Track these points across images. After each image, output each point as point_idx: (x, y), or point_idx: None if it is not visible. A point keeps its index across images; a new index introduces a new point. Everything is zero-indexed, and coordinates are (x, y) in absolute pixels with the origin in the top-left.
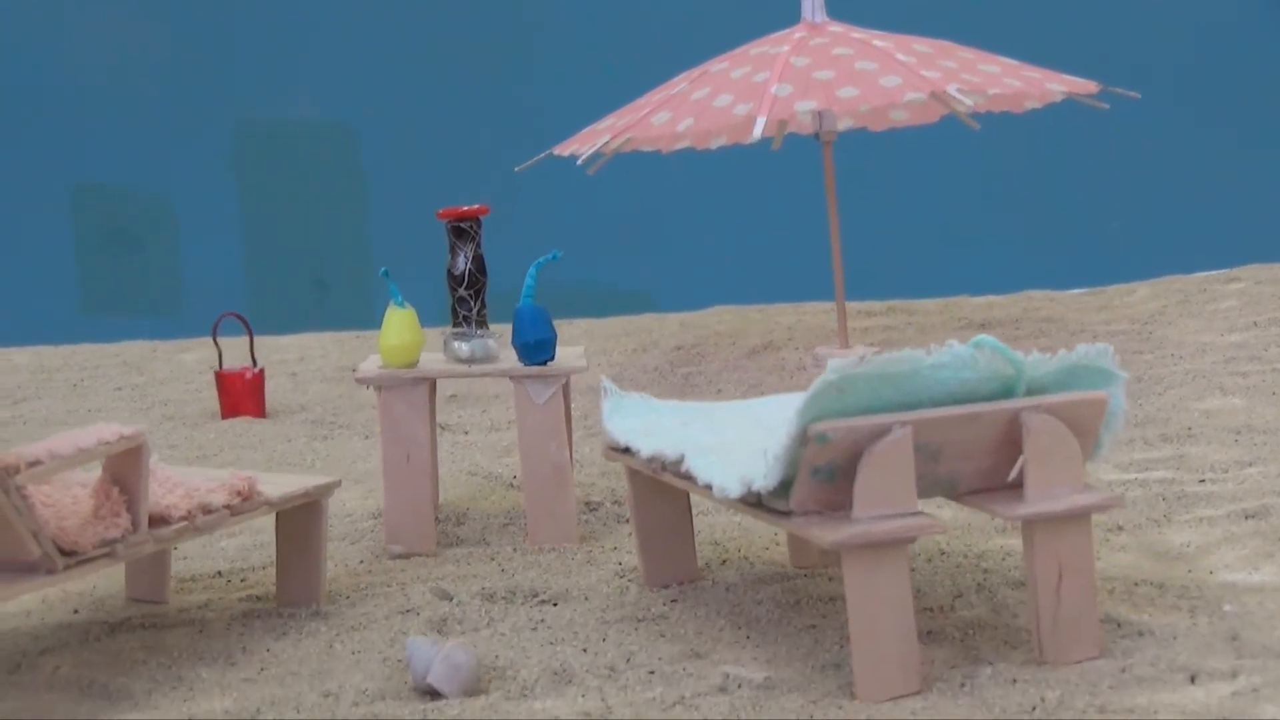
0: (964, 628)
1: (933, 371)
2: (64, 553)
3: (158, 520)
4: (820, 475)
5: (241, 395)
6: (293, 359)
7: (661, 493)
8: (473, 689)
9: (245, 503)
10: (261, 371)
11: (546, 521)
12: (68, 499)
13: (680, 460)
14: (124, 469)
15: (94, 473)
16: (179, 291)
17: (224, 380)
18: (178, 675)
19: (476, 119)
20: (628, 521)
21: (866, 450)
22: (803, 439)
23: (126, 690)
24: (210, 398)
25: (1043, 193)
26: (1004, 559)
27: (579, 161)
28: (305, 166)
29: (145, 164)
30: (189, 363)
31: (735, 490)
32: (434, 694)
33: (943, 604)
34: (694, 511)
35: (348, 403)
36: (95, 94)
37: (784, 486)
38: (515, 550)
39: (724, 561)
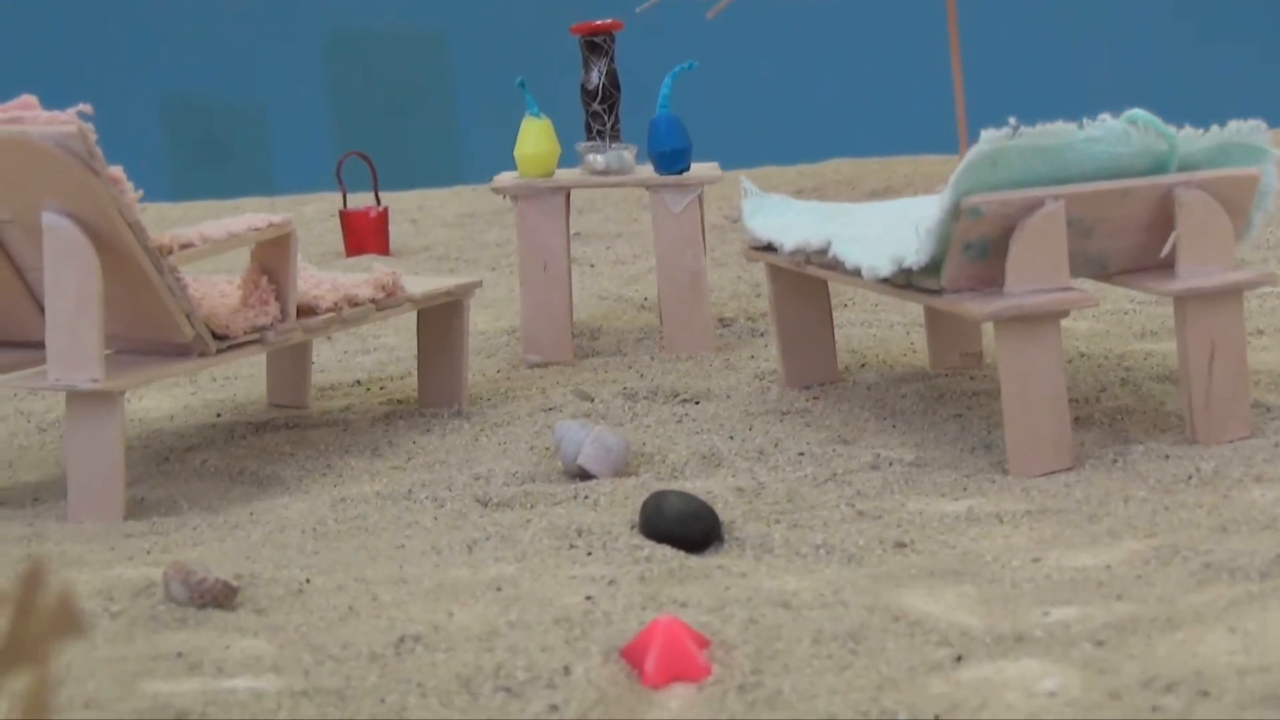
0: (1112, 414)
1: (1085, 145)
2: (215, 337)
3: (305, 311)
4: (972, 251)
5: (366, 234)
6: (413, 208)
7: (803, 292)
8: (623, 470)
9: (390, 298)
10: (385, 210)
11: (683, 331)
12: (215, 293)
13: (826, 248)
14: (273, 258)
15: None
16: (270, 201)
17: (348, 219)
18: (326, 464)
19: (563, 25)
20: (763, 335)
21: (1019, 224)
22: (955, 213)
23: (276, 477)
24: (334, 240)
25: (1174, 38)
26: (1146, 358)
27: None
28: (395, 74)
29: (237, 72)
30: (308, 213)
31: (886, 269)
32: (584, 475)
33: (1088, 396)
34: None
35: (470, 243)
36: (187, 2)
37: (934, 267)
38: (652, 359)
39: (863, 365)
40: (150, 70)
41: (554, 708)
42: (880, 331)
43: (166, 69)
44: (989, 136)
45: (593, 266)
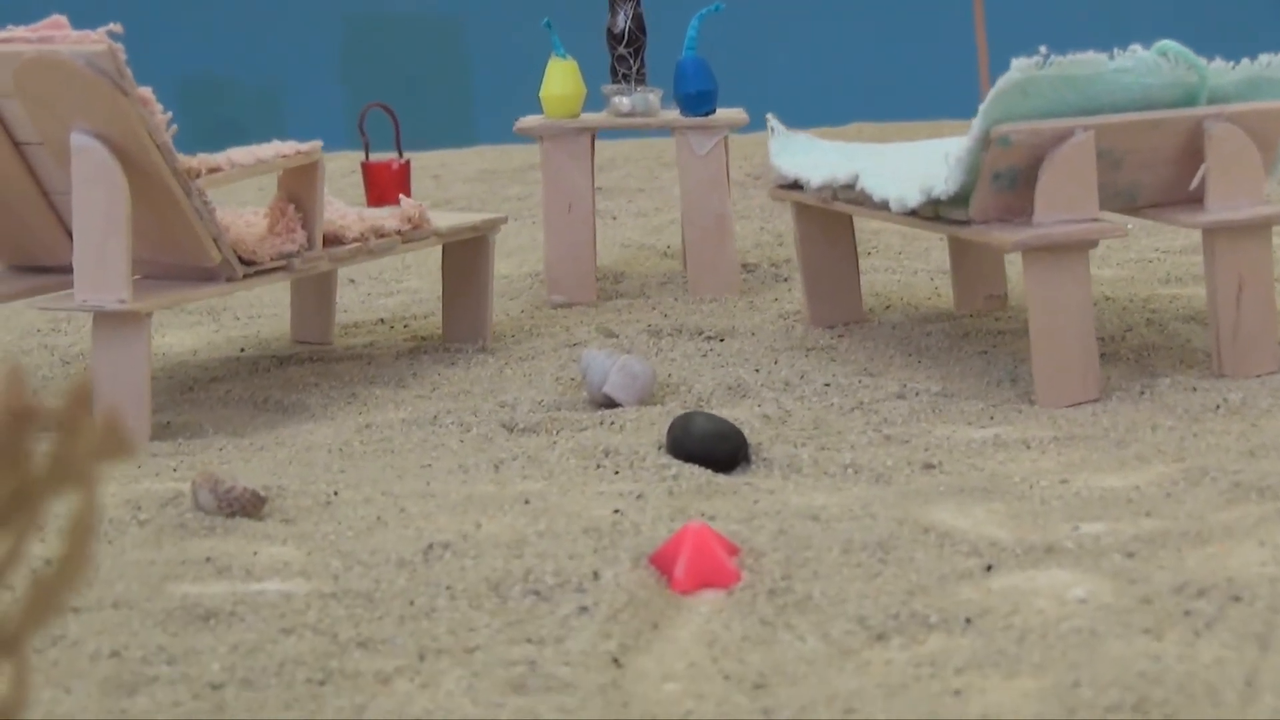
0: (1138, 351)
1: (1115, 75)
2: (242, 262)
3: (332, 240)
4: (1001, 181)
5: (388, 185)
6: (434, 165)
7: (828, 230)
8: (648, 400)
9: (416, 230)
10: (408, 162)
11: (708, 274)
12: (241, 222)
13: (854, 181)
14: (300, 186)
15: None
16: None
17: (371, 171)
18: (351, 393)
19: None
20: (787, 280)
21: (1049, 154)
22: (985, 142)
23: (302, 404)
24: (356, 194)
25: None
26: (1171, 301)
27: None
28: (411, 59)
29: (253, 56)
30: (329, 169)
31: (914, 199)
32: (610, 403)
33: (1114, 334)
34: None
35: (492, 196)
36: None
37: (962, 198)
38: (676, 300)
39: (887, 307)
40: (168, 51)
41: (584, 610)
42: (904, 277)
43: (185, 50)
44: (1020, 64)
45: (615, 218)
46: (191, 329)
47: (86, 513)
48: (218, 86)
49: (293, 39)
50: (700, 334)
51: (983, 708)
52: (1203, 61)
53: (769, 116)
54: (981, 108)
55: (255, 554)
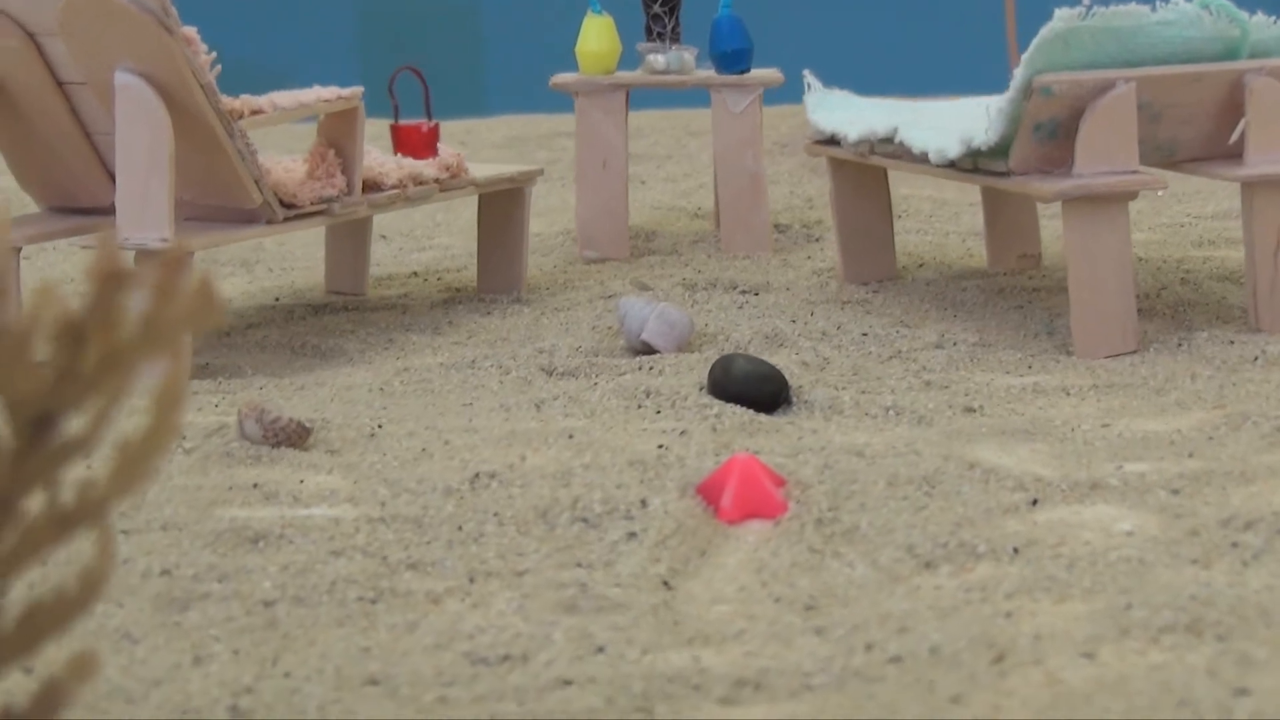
0: (1174, 307)
1: (1158, 28)
2: (283, 205)
3: (371, 186)
4: (1042, 132)
5: (418, 147)
6: (461, 132)
7: (864, 186)
8: (686, 348)
9: (453, 179)
10: (437, 125)
11: (740, 233)
12: (280, 169)
13: (893, 134)
14: (339, 132)
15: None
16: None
17: (400, 133)
18: (388, 339)
19: None
20: (819, 240)
21: (1090, 105)
22: (1027, 91)
23: (339, 349)
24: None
25: None
26: (1204, 262)
27: None
28: (428, 43)
29: (267, 38)
30: None
31: (954, 150)
32: (648, 350)
33: (1149, 292)
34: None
35: (522, 160)
36: None
37: (1001, 150)
38: (709, 257)
39: (921, 266)
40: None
41: (632, 535)
42: (936, 239)
43: (200, 32)
44: (1062, 14)
45: (644, 183)
46: (225, 280)
47: (175, 380)
48: (232, 69)
49: (308, 20)
50: (735, 288)
51: (1035, 628)
52: (1245, 15)
53: (805, 73)
54: (1024, 57)
55: (302, 482)
